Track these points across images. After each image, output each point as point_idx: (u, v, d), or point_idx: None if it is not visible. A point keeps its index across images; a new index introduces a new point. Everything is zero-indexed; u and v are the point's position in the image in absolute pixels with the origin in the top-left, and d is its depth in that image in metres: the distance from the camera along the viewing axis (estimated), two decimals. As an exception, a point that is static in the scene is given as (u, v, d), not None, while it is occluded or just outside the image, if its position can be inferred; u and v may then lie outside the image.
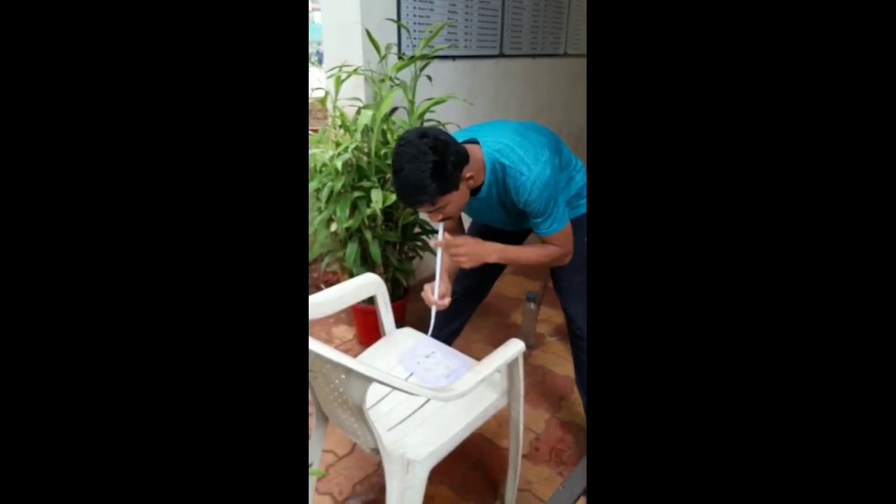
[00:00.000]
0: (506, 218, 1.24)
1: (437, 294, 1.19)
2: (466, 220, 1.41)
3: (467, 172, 1.06)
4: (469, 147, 1.10)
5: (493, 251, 1.16)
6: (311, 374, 0.95)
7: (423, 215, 1.92)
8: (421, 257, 1.99)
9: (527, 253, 1.20)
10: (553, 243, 1.18)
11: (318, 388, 1.01)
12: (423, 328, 1.35)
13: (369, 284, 1.28)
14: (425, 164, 0.98)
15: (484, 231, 1.43)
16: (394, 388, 0.84)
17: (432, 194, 1.01)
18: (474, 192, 1.15)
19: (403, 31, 1.98)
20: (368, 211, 1.60)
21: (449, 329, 1.46)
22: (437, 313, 1.22)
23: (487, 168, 1.12)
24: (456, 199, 1.07)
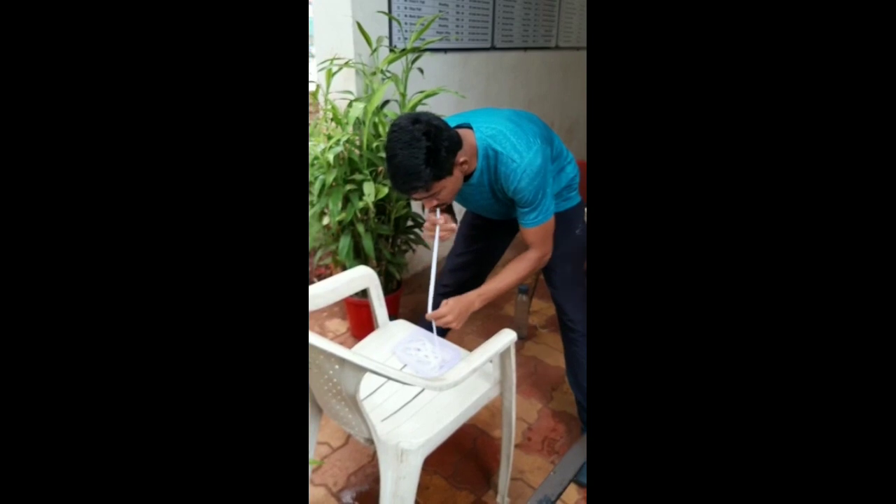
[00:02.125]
0: (496, 206, 1.24)
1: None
2: (459, 212, 1.41)
3: (461, 157, 1.06)
4: (462, 132, 1.09)
5: (475, 299, 1.17)
6: (305, 366, 0.96)
7: (416, 208, 1.92)
8: (414, 250, 1.99)
9: (506, 279, 1.20)
10: (531, 240, 1.19)
11: (313, 379, 1.01)
12: (416, 321, 1.35)
13: (362, 277, 1.29)
14: (419, 149, 0.98)
15: (477, 224, 1.44)
16: (387, 377, 0.85)
17: (427, 180, 1.00)
18: (466, 177, 1.15)
19: (395, 23, 1.97)
20: (361, 204, 1.60)
21: (443, 322, 1.47)
22: (433, 303, 1.22)
23: (480, 154, 1.12)
24: (450, 185, 1.07)
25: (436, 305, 1.20)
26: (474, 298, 1.17)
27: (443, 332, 1.45)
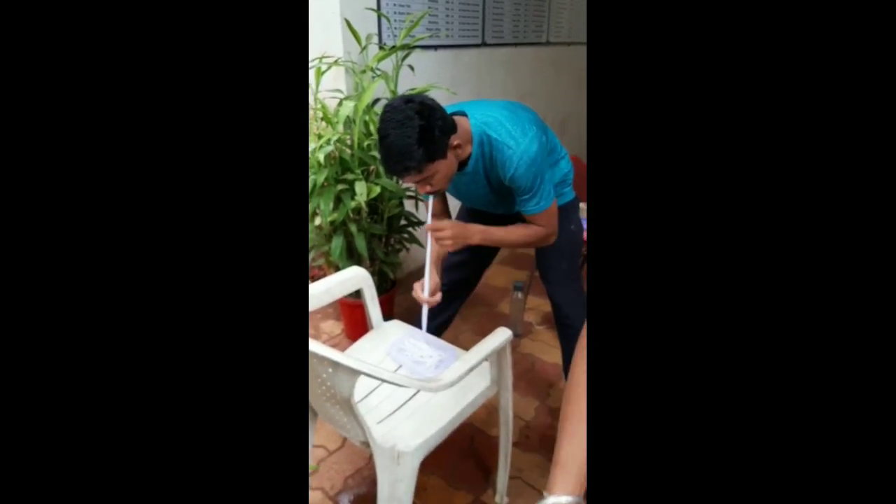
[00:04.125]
0: (491, 196, 1.23)
1: (427, 291, 1.18)
2: (454, 209, 1.40)
3: (455, 140, 1.05)
4: (457, 118, 1.08)
5: (476, 232, 1.16)
6: (298, 369, 0.95)
7: (409, 207, 1.91)
8: (407, 249, 1.98)
9: (511, 234, 1.19)
10: (537, 223, 1.18)
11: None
12: (411, 320, 1.34)
13: (356, 277, 1.27)
14: (412, 129, 0.96)
15: (472, 221, 1.43)
16: (382, 380, 0.83)
17: (419, 160, 0.99)
18: (461, 165, 1.13)
19: (384, 20, 1.96)
20: (353, 204, 1.58)
21: (438, 321, 1.46)
22: (427, 315, 1.22)
23: (475, 141, 1.11)
24: (444, 169, 1.05)
25: (428, 316, 1.20)
26: (476, 231, 1.16)
27: (438, 332, 1.44)
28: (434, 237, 1.14)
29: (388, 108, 1.00)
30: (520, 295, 1.94)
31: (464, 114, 1.12)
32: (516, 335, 1.97)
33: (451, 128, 1.04)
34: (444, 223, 1.15)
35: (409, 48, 1.78)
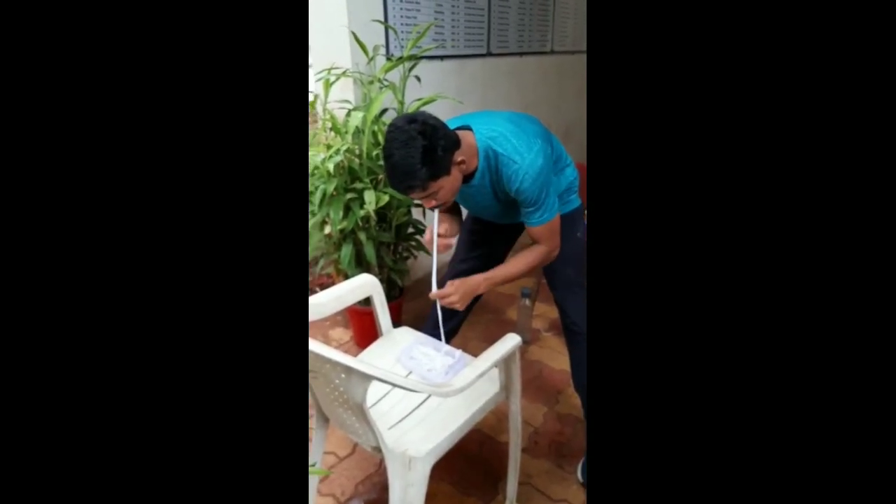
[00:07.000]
0: (497, 208, 1.25)
1: (436, 225, 1.19)
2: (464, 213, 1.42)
3: (459, 157, 1.07)
4: (461, 133, 1.10)
5: (482, 281, 1.18)
6: (311, 375, 0.96)
7: (417, 214, 1.93)
8: (415, 257, 2.00)
9: (513, 267, 1.21)
10: (538, 237, 1.19)
11: (319, 388, 1.02)
12: (419, 327, 1.36)
13: (366, 285, 1.29)
14: (415, 148, 0.98)
15: (477, 229, 1.44)
16: (394, 385, 0.85)
17: (423, 179, 1.01)
18: (467, 178, 1.15)
19: (391, 32, 1.99)
20: (362, 212, 1.61)
21: (446, 328, 1.47)
22: (434, 310, 1.22)
23: (480, 155, 1.13)
24: (448, 185, 1.07)
25: (436, 321, 1.21)
26: (481, 281, 1.18)
27: (446, 339, 1.45)
28: (442, 304, 1.17)
29: (392, 128, 1.02)
30: (527, 301, 1.95)
31: (468, 127, 1.14)
32: (524, 342, 1.98)
33: (455, 144, 1.06)
34: (447, 288, 1.16)
35: (415, 59, 1.81)
